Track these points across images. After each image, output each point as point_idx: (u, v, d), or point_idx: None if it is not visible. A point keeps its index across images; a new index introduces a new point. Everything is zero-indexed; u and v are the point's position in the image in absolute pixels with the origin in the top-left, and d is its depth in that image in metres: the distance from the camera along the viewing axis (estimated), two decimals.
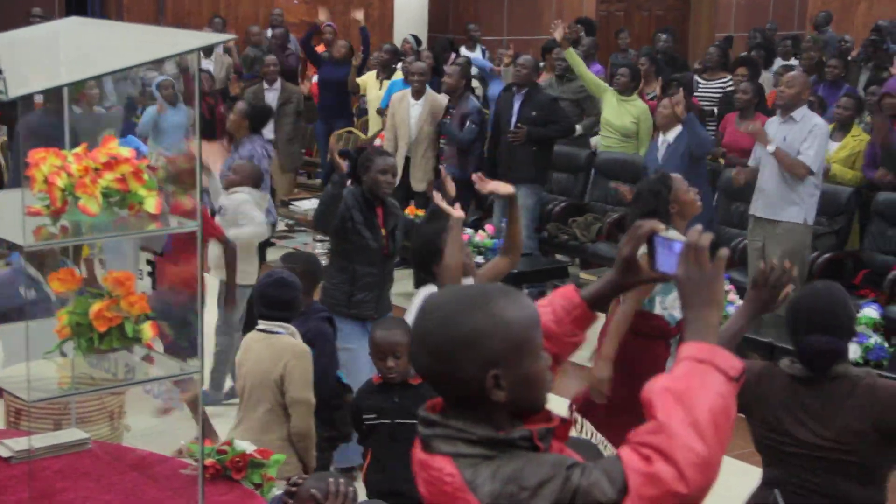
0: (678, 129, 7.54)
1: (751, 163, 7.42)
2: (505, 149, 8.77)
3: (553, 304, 2.23)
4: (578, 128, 9.57)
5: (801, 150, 6.97)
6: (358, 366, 5.39)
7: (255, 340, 4.52)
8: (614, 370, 4.40)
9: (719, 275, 1.99)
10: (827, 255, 7.62)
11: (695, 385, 1.87)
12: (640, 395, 1.90)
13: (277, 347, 4.44)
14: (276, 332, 4.47)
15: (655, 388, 1.89)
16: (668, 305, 4.67)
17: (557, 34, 9.44)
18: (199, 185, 3.13)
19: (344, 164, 5.58)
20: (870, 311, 6.07)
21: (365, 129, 11.08)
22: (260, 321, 4.54)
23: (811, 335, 3.22)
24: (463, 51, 12.98)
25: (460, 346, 1.93)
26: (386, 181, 5.51)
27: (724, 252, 2.00)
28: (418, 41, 12.73)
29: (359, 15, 11.87)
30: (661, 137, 7.73)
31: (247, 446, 3.68)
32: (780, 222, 7.08)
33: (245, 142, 7.41)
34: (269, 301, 4.49)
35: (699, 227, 2.04)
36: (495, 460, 1.90)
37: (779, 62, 12.35)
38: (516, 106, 8.76)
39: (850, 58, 12.19)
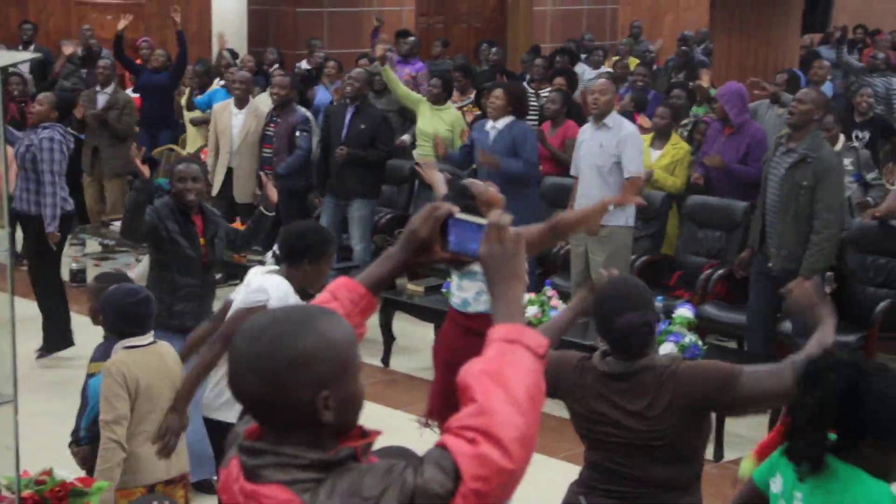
0: (509, 118, 7.70)
1: (572, 172, 7.61)
2: (336, 162, 8.78)
3: (340, 299, 2.21)
4: (407, 137, 9.67)
5: (624, 163, 7.15)
6: None
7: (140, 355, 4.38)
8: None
9: (520, 251, 2.06)
10: (644, 258, 7.87)
11: (508, 365, 1.94)
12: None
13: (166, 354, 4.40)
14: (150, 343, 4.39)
15: (472, 372, 1.94)
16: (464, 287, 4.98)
17: (379, 50, 9.54)
18: (5, 194, 3.04)
19: (146, 170, 5.51)
20: (684, 311, 6.27)
21: (185, 145, 10.91)
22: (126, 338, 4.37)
23: (622, 315, 3.33)
24: (304, 64, 12.96)
25: (294, 369, 1.91)
26: (186, 189, 5.40)
27: (520, 230, 2.09)
28: (234, 55, 12.64)
29: (177, 17, 11.63)
30: (489, 123, 7.86)
31: (66, 475, 3.57)
32: (604, 226, 7.24)
33: (46, 125, 7.45)
34: (130, 316, 4.37)
35: (499, 210, 2.11)
36: (327, 481, 1.90)
37: (589, 71, 12.74)
38: (347, 118, 8.78)
39: (655, 66, 12.63)
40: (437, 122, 9.19)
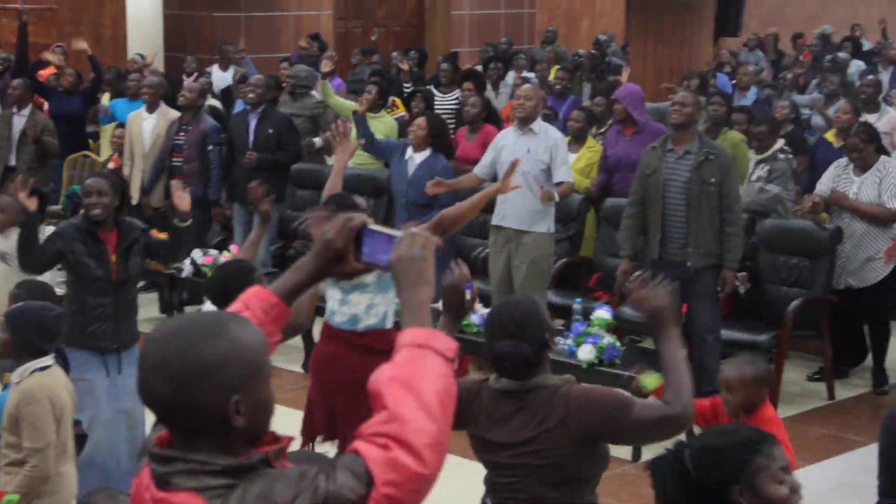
0: (428, 151, 7.67)
1: (479, 171, 7.57)
2: (242, 169, 8.74)
3: (252, 309, 2.22)
4: (318, 140, 9.64)
5: (555, 168, 7.16)
6: (95, 395, 5.25)
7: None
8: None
9: (429, 256, 2.09)
10: (563, 260, 7.95)
11: (419, 370, 1.95)
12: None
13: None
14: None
15: (382, 379, 1.95)
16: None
17: (326, 66, 9.56)
18: None
19: (33, 203, 5.44)
20: (602, 313, 6.35)
21: (99, 152, 10.78)
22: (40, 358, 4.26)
23: (501, 340, 3.34)
24: (215, 70, 12.85)
25: (204, 373, 1.91)
26: (91, 203, 5.30)
27: (436, 238, 2.12)
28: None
29: (81, 45, 11.41)
30: (409, 152, 7.78)
31: None
32: (528, 232, 7.28)
33: None
34: (47, 332, 4.27)
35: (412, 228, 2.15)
36: (238, 488, 1.90)
37: (511, 75, 12.82)
38: (252, 124, 8.74)
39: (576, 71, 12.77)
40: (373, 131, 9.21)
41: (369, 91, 9.25)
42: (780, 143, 7.93)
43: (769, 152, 7.81)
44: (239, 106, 10.78)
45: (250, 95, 8.96)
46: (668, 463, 2.67)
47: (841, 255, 7.16)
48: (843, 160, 7.36)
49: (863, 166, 7.16)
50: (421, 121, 7.78)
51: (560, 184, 7.18)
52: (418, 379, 1.94)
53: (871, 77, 9.92)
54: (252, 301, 2.23)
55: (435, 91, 10.71)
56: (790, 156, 7.92)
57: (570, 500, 3.36)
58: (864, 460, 5.74)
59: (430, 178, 7.48)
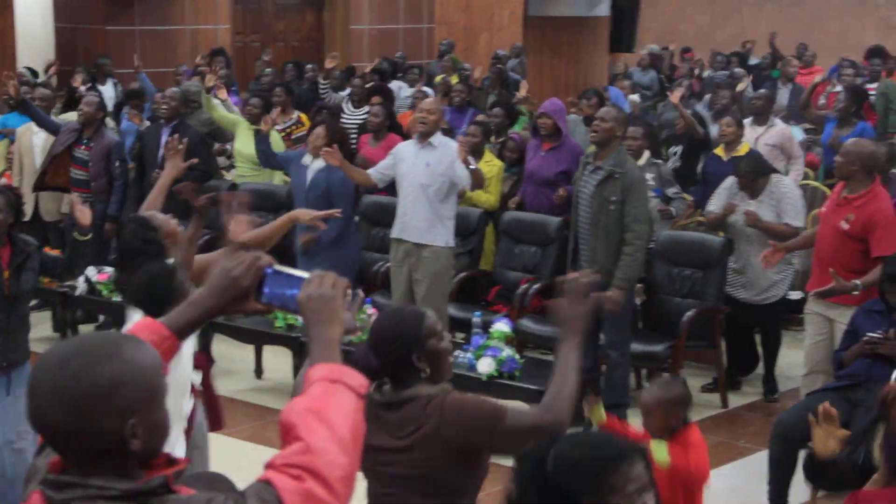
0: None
1: (373, 175, 7.60)
2: (150, 186, 8.59)
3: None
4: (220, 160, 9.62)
5: (459, 182, 7.23)
6: None
7: None
8: None
9: (339, 295, 2.13)
10: (463, 274, 8.00)
11: (332, 404, 1.98)
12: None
13: None
14: None
15: (296, 411, 1.97)
16: None
17: (210, 80, 9.49)
18: None
19: None
20: (501, 326, 6.40)
21: None
22: None
23: (366, 350, 3.34)
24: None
25: (100, 397, 1.89)
26: None
27: (344, 280, 2.16)
28: (35, 73, 12.30)
29: None
30: (307, 158, 7.72)
31: None
32: (427, 246, 7.32)
33: None
34: None
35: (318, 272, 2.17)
36: None
37: (406, 88, 12.91)
38: (164, 139, 8.62)
39: (474, 85, 12.87)
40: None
41: (254, 104, 9.22)
42: (648, 153, 8.09)
43: (643, 160, 7.96)
44: (125, 122, 10.64)
45: (164, 108, 8.83)
46: (530, 464, 2.72)
47: (746, 272, 7.31)
48: (731, 180, 7.52)
49: (755, 192, 7.33)
50: (319, 129, 7.74)
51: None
52: (332, 413, 1.97)
53: (762, 90, 10.18)
54: (142, 333, 2.22)
55: (345, 107, 10.79)
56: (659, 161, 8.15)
57: None
58: (755, 467, 5.89)
59: (329, 185, 7.49)
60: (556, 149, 8.21)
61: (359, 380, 2.04)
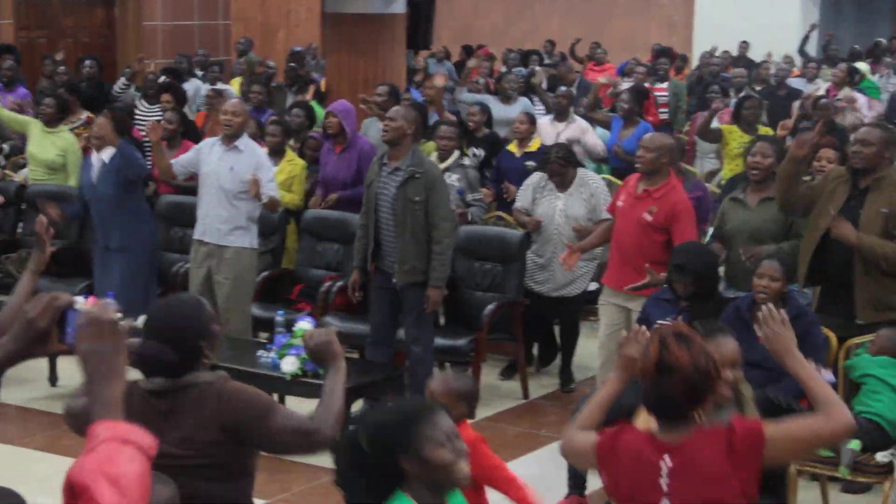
0: (112, 149, 7.45)
1: (175, 167, 7.45)
2: None
3: None
4: (6, 147, 9.25)
5: (263, 184, 7.11)
6: None
7: None
8: None
9: (119, 347, 2.04)
10: (265, 274, 7.93)
11: (124, 468, 1.94)
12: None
13: None
14: None
15: (88, 471, 1.92)
16: None
17: None
18: None
19: None
20: (305, 324, 6.35)
21: None
22: None
23: (149, 341, 3.31)
24: None
25: None
26: None
27: (125, 325, 2.06)
28: None
29: None
30: (94, 155, 7.50)
31: None
32: (229, 247, 7.23)
33: None
34: None
35: (107, 300, 2.09)
36: None
37: (204, 87, 12.67)
38: None
39: (273, 83, 12.75)
40: (48, 147, 8.83)
41: (48, 104, 8.88)
42: (457, 153, 8.21)
43: (451, 160, 8.08)
44: None
45: None
46: (345, 443, 2.78)
47: (550, 267, 7.47)
48: (537, 176, 7.68)
49: (563, 184, 7.51)
50: (101, 120, 7.51)
51: (271, 198, 7.18)
52: (124, 476, 1.93)
53: (564, 89, 10.48)
54: None
55: (139, 103, 10.57)
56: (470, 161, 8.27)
57: (231, 495, 3.37)
58: (555, 456, 6.02)
59: (117, 173, 7.31)
60: (347, 150, 8.26)
61: (148, 440, 2.01)
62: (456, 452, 2.78)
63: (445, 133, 8.21)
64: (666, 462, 3.18)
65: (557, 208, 7.47)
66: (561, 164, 7.44)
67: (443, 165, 7.96)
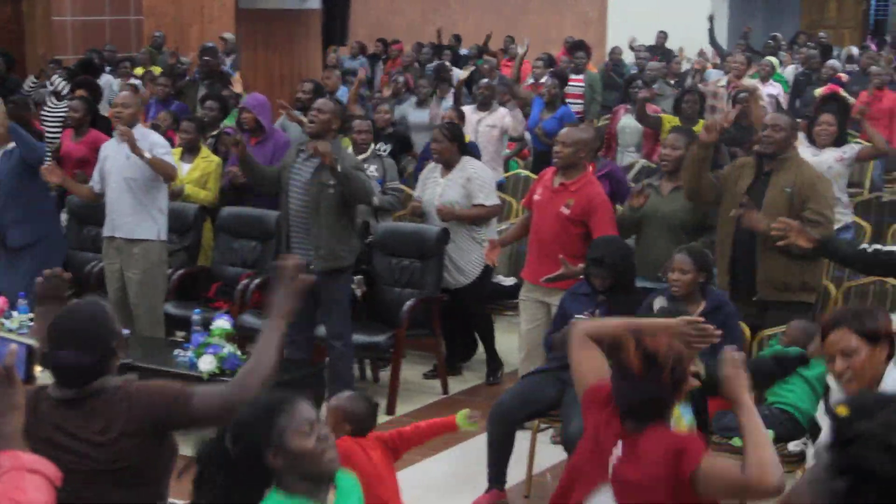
0: (11, 144, 7.33)
1: (95, 186, 7.37)
2: None
3: None
4: None
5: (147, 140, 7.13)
6: None
7: None
8: None
9: (14, 385, 2.08)
10: (181, 271, 7.84)
11: (32, 494, 1.99)
12: None
13: None
14: None
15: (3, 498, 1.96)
16: None
17: None
18: None
19: None
20: (222, 323, 6.30)
21: None
22: None
23: (61, 350, 3.27)
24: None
25: None
26: None
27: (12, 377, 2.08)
28: None
29: None
30: None
31: None
32: (137, 241, 7.17)
33: None
34: None
35: (13, 346, 2.08)
36: None
37: (116, 83, 12.50)
38: None
39: (188, 77, 12.60)
40: None
41: None
42: (373, 146, 8.23)
43: (368, 152, 8.09)
44: None
45: None
46: (210, 449, 2.75)
47: (451, 256, 7.49)
48: (430, 165, 7.72)
49: (447, 165, 7.51)
50: None
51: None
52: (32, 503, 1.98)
53: (486, 81, 10.61)
54: None
55: (48, 100, 10.47)
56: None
57: (153, 499, 3.33)
58: (476, 451, 6.06)
59: (18, 163, 7.21)
60: (262, 143, 8.24)
61: (52, 470, 2.03)
62: (320, 439, 2.76)
63: (361, 127, 8.25)
64: (619, 448, 3.21)
65: (437, 194, 7.49)
66: (444, 134, 7.45)
67: (360, 157, 7.96)
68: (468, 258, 7.40)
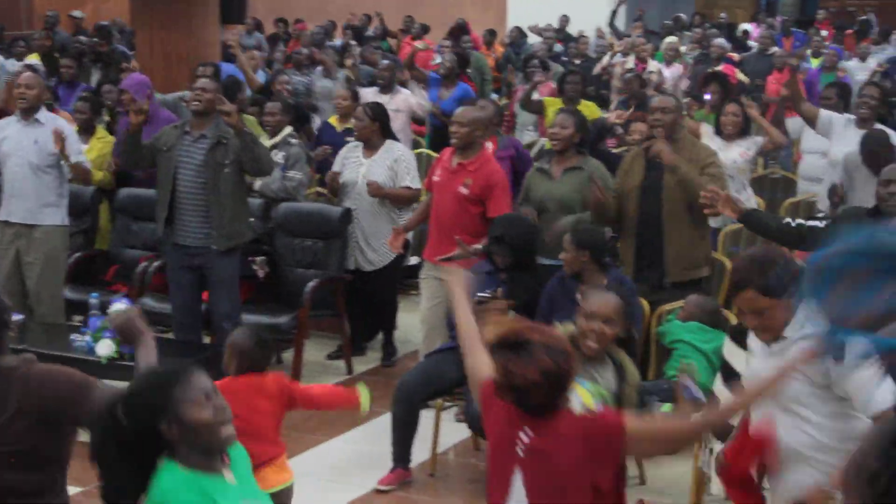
0: None
1: (6, 174, 7.19)
2: None
3: None
4: None
5: (73, 156, 7.02)
6: None
7: None
8: None
9: None
10: (78, 254, 7.70)
11: None
12: None
13: None
14: None
15: None
16: None
17: None
18: None
19: None
20: (120, 306, 6.19)
21: None
22: None
23: None
24: None
25: None
26: None
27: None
28: None
29: None
30: None
31: None
32: (39, 226, 7.04)
33: None
34: None
35: None
36: None
37: (12, 62, 12.20)
38: None
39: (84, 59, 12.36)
40: None
41: None
42: (289, 129, 8.15)
43: (279, 137, 8.01)
44: None
45: None
46: (102, 419, 2.72)
47: (353, 237, 7.48)
48: (352, 143, 7.68)
49: (368, 145, 7.48)
50: None
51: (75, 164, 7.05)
52: None
53: (387, 62, 10.59)
54: None
55: None
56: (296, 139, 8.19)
57: (40, 484, 3.26)
58: (380, 430, 6.08)
59: None
60: (148, 124, 8.04)
61: None
62: (215, 410, 2.74)
63: (271, 110, 8.13)
64: (526, 433, 3.22)
65: (360, 174, 7.46)
66: (367, 114, 7.42)
67: (270, 142, 7.89)
68: (384, 240, 7.38)
